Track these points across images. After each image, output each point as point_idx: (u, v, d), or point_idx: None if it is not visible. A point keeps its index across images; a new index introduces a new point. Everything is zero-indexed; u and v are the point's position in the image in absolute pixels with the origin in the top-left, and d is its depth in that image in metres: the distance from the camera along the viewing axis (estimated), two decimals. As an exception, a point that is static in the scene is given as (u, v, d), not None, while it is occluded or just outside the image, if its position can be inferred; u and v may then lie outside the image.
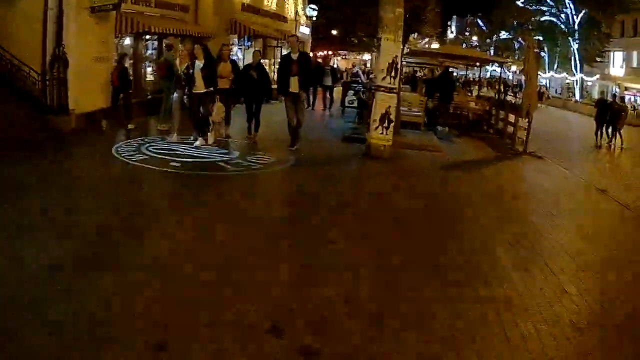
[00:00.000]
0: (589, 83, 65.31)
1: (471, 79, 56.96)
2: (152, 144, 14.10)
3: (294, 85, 13.96)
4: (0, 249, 6.39)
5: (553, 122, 37.91)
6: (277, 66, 26.80)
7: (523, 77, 34.59)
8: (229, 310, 5.31)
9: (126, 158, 12.33)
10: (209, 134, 14.45)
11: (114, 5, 17.53)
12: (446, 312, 5.69)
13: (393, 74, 14.38)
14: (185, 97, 15.05)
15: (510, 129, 20.16)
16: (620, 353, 5.22)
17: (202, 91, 14.34)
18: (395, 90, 14.77)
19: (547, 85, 78.68)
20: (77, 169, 11.84)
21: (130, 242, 6.98)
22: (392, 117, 14.51)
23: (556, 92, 70.15)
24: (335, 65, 43.92)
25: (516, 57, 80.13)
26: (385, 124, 14.35)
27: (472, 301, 6.05)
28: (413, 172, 14.04)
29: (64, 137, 15.27)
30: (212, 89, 14.52)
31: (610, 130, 25.02)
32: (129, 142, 14.23)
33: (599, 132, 25.20)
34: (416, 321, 5.46)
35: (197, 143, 14.05)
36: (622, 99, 38.32)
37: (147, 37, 22.45)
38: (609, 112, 24.92)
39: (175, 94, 15.63)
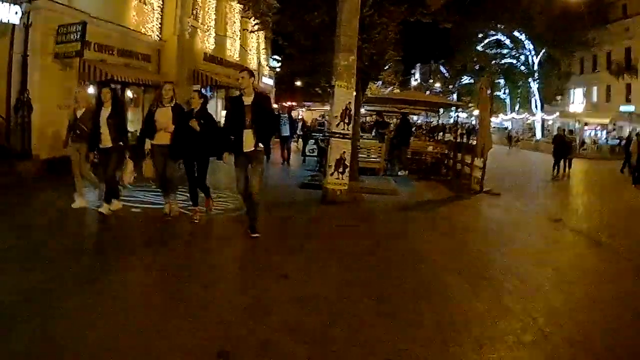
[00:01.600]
0: (550, 122, 66.47)
1: (436, 125, 57.75)
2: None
3: (248, 140, 9.91)
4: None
5: (512, 161, 38.82)
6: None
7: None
8: (181, 338, 5.59)
9: (87, 204, 12.48)
10: (172, 205, 11.75)
11: (77, 51, 17.93)
12: (389, 334, 5.95)
13: (347, 120, 14.64)
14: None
15: (467, 169, 20.48)
16: None
17: (108, 146, 11.69)
18: (349, 136, 14.95)
19: (510, 127, 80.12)
20: (35, 214, 12.09)
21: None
22: (347, 162, 14.75)
23: (517, 133, 71.26)
24: (299, 116, 44.36)
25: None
26: (341, 169, 14.59)
27: (415, 324, 6.29)
28: (368, 214, 14.18)
29: (27, 182, 15.59)
30: (121, 143, 11.79)
31: (565, 161, 27.68)
32: (89, 189, 14.25)
33: (557, 165, 27.44)
34: (357, 342, 5.71)
35: (103, 209, 11.55)
36: (571, 131, 40.57)
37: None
38: (563, 146, 27.57)
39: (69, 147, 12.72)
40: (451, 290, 7.72)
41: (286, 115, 26.52)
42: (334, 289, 7.53)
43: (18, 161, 16.89)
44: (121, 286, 7.22)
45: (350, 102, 14.81)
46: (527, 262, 9.75)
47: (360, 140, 21.93)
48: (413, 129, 47.82)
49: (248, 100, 10.09)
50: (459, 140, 33.09)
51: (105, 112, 11.78)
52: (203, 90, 21.09)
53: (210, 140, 11.15)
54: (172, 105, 11.54)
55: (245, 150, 9.99)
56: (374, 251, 10.10)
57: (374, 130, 29.70)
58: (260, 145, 10.05)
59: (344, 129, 14.73)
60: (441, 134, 45.67)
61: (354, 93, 15.29)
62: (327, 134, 16.33)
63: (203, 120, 11.14)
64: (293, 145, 29.71)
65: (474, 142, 22.99)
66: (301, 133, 33.92)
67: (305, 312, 6.57)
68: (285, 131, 25.14)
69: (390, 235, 11.80)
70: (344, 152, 14.74)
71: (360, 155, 20.35)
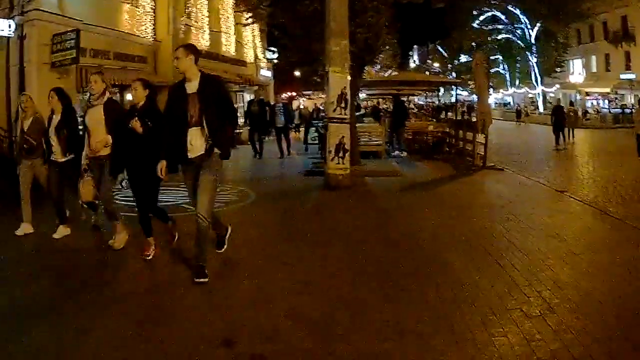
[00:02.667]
0: (552, 94, 66.32)
1: (437, 105, 57.87)
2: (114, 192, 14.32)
3: (194, 142, 7.45)
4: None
5: (516, 135, 38.85)
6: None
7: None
8: (184, 327, 5.71)
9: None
10: (116, 235, 9.14)
11: (72, 59, 18.02)
12: (391, 313, 5.99)
13: (343, 104, 14.70)
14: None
15: (470, 146, 20.52)
16: (572, 336, 5.35)
17: (60, 160, 9.90)
18: (347, 121, 15.01)
19: (512, 102, 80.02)
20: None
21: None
22: (347, 146, 14.80)
23: (525, 108, 71.12)
24: (301, 105, 44.16)
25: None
26: (341, 154, 14.67)
27: (419, 303, 6.33)
28: (371, 196, 14.31)
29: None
30: (73, 155, 9.74)
31: (566, 131, 28.64)
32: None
33: (557, 137, 27.99)
34: (362, 325, 5.73)
35: (56, 235, 9.78)
36: (572, 103, 40.48)
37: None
38: (562, 117, 28.36)
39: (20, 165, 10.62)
40: (455, 267, 7.73)
41: (280, 105, 26.27)
42: (337, 273, 7.58)
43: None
44: None
45: (345, 87, 14.86)
46: (532, 234, 9.66)
47: (361, 124, 22.09)
48: (414, 110, 47.94)
49: (192, 87, 7.43)
50: (459, 118, 32.86)
51: (55, 120, 10.17)
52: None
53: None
54: (104, 101, 9.10)
55: (191, 157, 7.44)
56: (376, 233, 10.12)
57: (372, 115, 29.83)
58: (215, 148, 7.40)
59: (341, 114, 14.79)
60: (443, 113, 45.76)
61: (349, 78, 15.29)
62: (324, 120, 16.28)
63: (150, 120, 8.10)
64: (294, 134, 29.86)
65: (474, 119, 23.04)
66: (298, 122, 34.01)
67: (309, 298, 6.63)
68: (280, 122, 24.43)
69: (392, 216, 11.83)
70: (343, 136, 14.80)
71: (361, 140, 20.50)
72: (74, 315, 6.12)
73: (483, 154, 18.88)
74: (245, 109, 25.42)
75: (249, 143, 25.03)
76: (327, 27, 15.00)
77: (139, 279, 7.72)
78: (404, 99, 58.17)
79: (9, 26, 17.21)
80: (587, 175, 18.78)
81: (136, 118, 8.07)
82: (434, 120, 34.62)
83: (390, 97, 37.79)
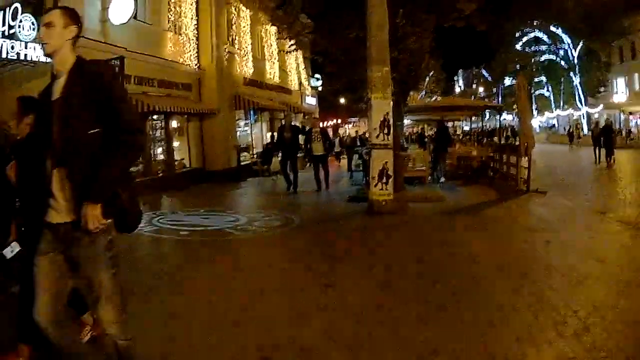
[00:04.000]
0: (596, 115, 65.66)
1: (481, 130, 57.74)
2: (162, 217, 14.85)
3: (60, 196, 4.07)
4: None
5: (561, 158, 38.66)
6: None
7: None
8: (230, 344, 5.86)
9: (139, 229, 12.92)
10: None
11: (118, 85, 18.28)
12: (427, 333, 6.08)
13: (386, 130, 14.77)
14: None
15: (513, 170, 20.35)
16: (604, 354, 5.39)
17: None
18: (390, 146, 15.05)
19: (557, 123, 79.42)
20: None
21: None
22: (390, 172, 14.82)
23: (564, 130, 70.40)
24: (346, 133, 44.29)
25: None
26: (384, 180, 14.70)
27: (454, 324, 6.38)
28: (413, 221, 14.28)
29: None
30: None
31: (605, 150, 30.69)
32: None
33: (595, 154, 31.43)
34: (396, 344, 5.84)
35: None
36: (610, 123, 40.73)
37: (155, 116, 23.17)
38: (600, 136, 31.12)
39: None
40: (493, 289, 7.76)
41: (318, 130, 22.25)
42: (376, 294, 7.69)
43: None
44: None
45: (387, 113, 14.94)
46: (570, 256, 9.64)
47: (406, 150, 22.15)
48: (459, 135, 47.82)
49: (58, 87, 4.29)
50: (503, 142, 32.82)
51: None
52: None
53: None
54: None
55: (52, 222, 4.15)
56: (416, 256, 10.18)
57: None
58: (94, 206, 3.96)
59: (384, 140, 14.84)
60: (487, 138, 45.60)
61: (391, 103, 15.37)
62: (368, 146, 16.35)
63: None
64: (336, 163, 29.97)
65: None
66: (339, 150, 34.15)
67: (347, 317, 6.74)
68: (319, 149, 21.20)
69: (433, 240, 11.88)
70: (386, 162, 14.82)
71: (407, 166, 20.57)
72: None
73: (526, 177, 18.70)
74: (277, 135, 22.76)
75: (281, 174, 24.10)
76: (368, 54, 15.10)
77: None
78: (450, 124, 58.42)
79: (56, 52, 17.45)
80: (629, 196, 18.54)
81: (13, 161, 5.49)
82: (478, 145, 34.50)
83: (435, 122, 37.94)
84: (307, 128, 24.15)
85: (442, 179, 22.90)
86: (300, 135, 22.39)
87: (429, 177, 22.42)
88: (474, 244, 11.02)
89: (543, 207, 15.81)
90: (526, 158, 18.81)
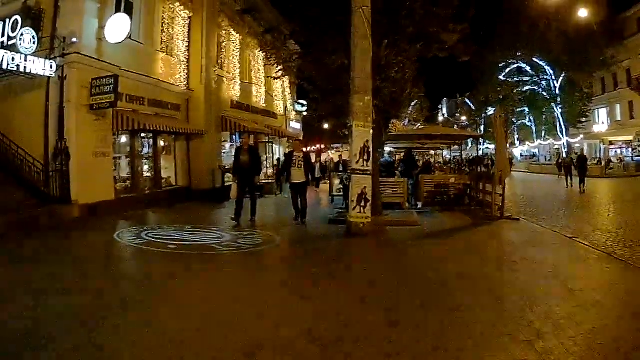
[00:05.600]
0: (577, 145, 66.78)
1: (460, 158, 58.50)
2: (150, 231, 15.52)
3: None
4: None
5: (538, 187, 39.48)
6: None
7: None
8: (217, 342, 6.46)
9: (128, 241, 14.00)
10: None
11: (110, 102, 18.95)
12: (393, 336, 6.76)
13: (365, 157, 15.33)
14: None
15: (489, 198, 20.78)
16: (554, 358, 6.10)
17: None
18: (369, 172, 15.58)
19: (538, 152, 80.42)
20: (83, 249, 13.75)
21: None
22: (369, 196, 15.38)
23: (546, 160, 71.40)
24: (329, 157, 44.79)
25: (507, 131, 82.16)
26: (362, 204, 15.26)
27: (417, 330, 7.10)
28: (388, 243, 14.94)
29: (69, 224, 17.01)
30: None
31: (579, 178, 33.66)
32: (129, 230, 15.70)
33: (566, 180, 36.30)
34: (366, 344, 6.51)
35: None
36: (582, 152, 46.42)
37: (143, 134, 23.76)
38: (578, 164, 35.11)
39: None
40: (456, 301, 8.52)
41: (300, 155, 19.07)
42: (350, 305, 8.44)
43: (59, 205, 18.11)
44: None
45: (367, 140, 15.50)
46: (534, 276, 10.30)
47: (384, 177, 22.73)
48: (439, 164, 48.58)
49: None
50: (483, 170, 33.62)
51: None
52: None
53: None
54: None
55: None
56: (389, 273, 10.99)
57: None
58: None
59: (363, 165, 15.42)
60: (469, 166, 46.36)
61: (371, 131, 15.86)
62: (348, 172, 16.95)
63: None
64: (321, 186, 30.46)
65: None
66: (319, 176, 34.75)
67: (324, 323, 7.48)
68: (299, 176, 18.41)
69: (405, 259, 12.63)
70: (365, 187, 15.40)
71: (384, 191, 21.20)
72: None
73: (500, 204, 19.30)
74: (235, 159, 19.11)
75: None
76: (352, 84, 15.69)
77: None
78: (432, 152, 59.09)
79: (51, 67, 18.13)
80: (600, 222, 19.23)
81: None
82: (457, 172, 35.22)
83: (417, 150, 38.54)
84: (288, 151, 22.06)
85: (419, 205, 23.51)
86: (257, 157, 19.14)
87: (407, 204, 22.94)
88: (443, 264, 11.77)
89: (514, 232, 16.49)
90: (501, 186, 19.44)
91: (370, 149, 15.70)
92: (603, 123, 65.35)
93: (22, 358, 6.04)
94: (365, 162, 15.48)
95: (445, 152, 76.26)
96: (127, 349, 6.50)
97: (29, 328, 7.04)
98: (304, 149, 22.63)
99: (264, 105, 37.72)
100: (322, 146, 63.30)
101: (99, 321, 7.43)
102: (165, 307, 8.38)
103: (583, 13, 49.57)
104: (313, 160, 27.12)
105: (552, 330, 6.95)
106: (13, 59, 16.89)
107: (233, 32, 31.59)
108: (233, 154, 32.66)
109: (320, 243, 14.71)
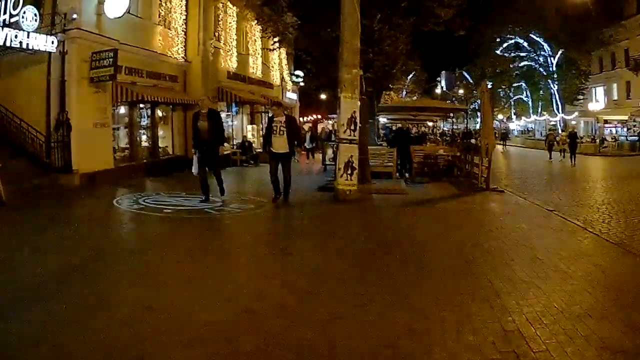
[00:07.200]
0: (573, 122, 67.06)
1: (453, 131, 58.90)
2: (147, 197, 16.29)
3: None
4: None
5: (531, 162, 40.04)
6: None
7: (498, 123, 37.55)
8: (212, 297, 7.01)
9: (126, 207, 14.82)
10: None
11: (110, 76, 19.48)
12: (360, 283, 7.31)
13: (352, 127, 15.91)
14: None
15: (476, 169, 21.21)
16: (508, 315, 6.52)
17: None
18: (355, 142, 16.13)
19: (534, 127, 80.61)
20: (85, 214, 14.78)
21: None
22: (355, 165, 15.99)
23: (541, 135, 71.63)
24: (329, 128, 45.07)
25: (504, 105, 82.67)
26: (349, 171, 15.90)
27: (384, 284, 7.59)
28: (373, 209, 15.67)
29: (71, 192, 17.77)
30: None
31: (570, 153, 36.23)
32: (127, 197, 16.50)
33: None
34: (339, 293, 6.98)
35: None
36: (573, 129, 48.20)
37: (142, 105, 24.30)
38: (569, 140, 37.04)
39: None
40: (429, 258, 9.34)
41: (282, 119, 15.81)
42: (329, 260, 9.20)
43: (60, 175, 18.80)
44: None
45: (355, 111, 16.04)
46: (506, 243, 10.80)
47: (373, 147, 23.21)
48: (437, 135, 49.04)
49: None
50: (472, 142, 34.13)
51: None
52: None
53: None
54: None
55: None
56: (370, 235, 11.82)
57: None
58: None
59: (350, 135, 16.02)
60: (463, 139, 46.80)
61: (358, 103, 16.33)
62: (336, 141, 17.51)
63: None
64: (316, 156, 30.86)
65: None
66: (311, 146, 35.19)
67: (304, 276, 8.17)
68: (281, 145, 15.53)
69: (387, 224, 13.36)
70: (352, 155, 16.02)
71: (375, 161, 21.80)
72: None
73: (486, 176, 19.74)
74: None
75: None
76: (340, 57, 16.23)
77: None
78: (430, 124, 59.50)
79: (52, 42, 18.61)
80: (584, 198, 19.67)
81: None
82: (447, 144, 35.81)
83: (413, 122, 39.01)
84: (269, 116, 19.48)
85: (407, 175, 23.94)
86: (218, 123, 15.91)
87: (397, 174, 23.43)
88: (423, 229, 12.53)
89: (497, 203, 17.06)
90: (487, 158, 19.93)
91: (358, 120, 16.22)
92: (599, 101, 65.22)
93: (35, 307, 6.57)
94: (352, 132, 16.04)
95: (443, 125, 76.57)
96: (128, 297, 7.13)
97: (37, 282, 7.65)
98: (286, 112, 17.89)
99: (260, 75, 38.13)
100: (319, 116, 63.71)
101: (94, 276, 8.07)
102: (156, 258, 9.26)
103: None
104: (307, 129, 26.73)
105: (510, 291, 7.38)
106: (16, 36, 17.36)
107: (230, 5, 32.03)
108: (230, 123, 33.55)
109: (307, 207, 15.38)
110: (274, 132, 15.53)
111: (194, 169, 15.25)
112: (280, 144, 15.47)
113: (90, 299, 6.88)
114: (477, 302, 6.91)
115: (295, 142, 16.19)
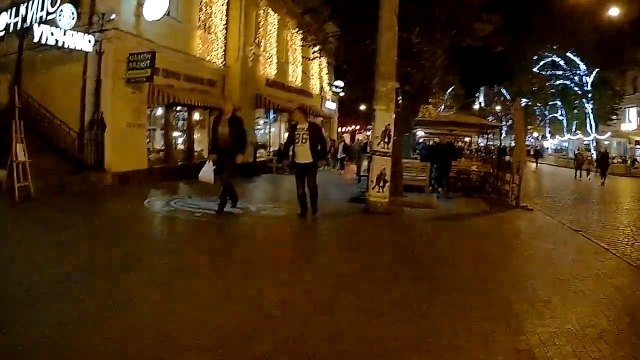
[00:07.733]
0: (606, 142, 66.61)
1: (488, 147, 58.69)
2: (178, 200, 16.66)
3: None
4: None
5: (562, 180, 40.04)
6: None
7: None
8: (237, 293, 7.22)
9: (156, 208, 15.37)
10: None
11: (147, 77, 19.86)
12: (386, 304, 7.43)
13: (386, 139, 15.98)
14: None
15: (508, 187, 21.26)
16: (516, 322, 6.61)
17: None
18: (389, 154, 16.19)
19: (567, 146, 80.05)
20: (114, 213, 15.11)
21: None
22: (387, 177, 16.05)
23: (573, 154, 71.31)
24: (366, 139, 45.20)
25: (539, 123, 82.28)
26: (381, 184, 15.96)
27: (408, 300, 7.70)
28: (402, 222, 15.74)
29: (101, 191, 18.23)
30: None
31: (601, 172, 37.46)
32: (159, 198, 16.96)
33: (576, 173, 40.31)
34: (362, 302, 7.14)
35: None
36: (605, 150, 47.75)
37: (178, 108, 24.55)
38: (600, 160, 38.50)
39: None
40: (451, 273, 9.44)
41: (305, 126, 14.49)
42: (350, 272, 9.23)
43: (92, 172, 19.21)
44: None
45: (389, 124, 16.11)
46: (528, 260, 11.01)
47: (407, 160, 23.20)
48: (473, 150, 48.76)
49: None
50: (506, 160, 34.04)
51: None
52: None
53: None
54: None
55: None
56: (396, 248, 11.91)
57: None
58: None
59: (384, 148, 16.09)
60: (499, 155, 46.64)
61: (393, 116, 16.39)
62: (370, 153, 17.43)
63: None
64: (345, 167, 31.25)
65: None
66: (343, 156, 35.22)
67: (324, 286, 8.32)
68: (304, 155, 14.32)
69: (415, 236, 13.62)
70: (384, 168, 16.08)
71: (409, 175, 21.85)
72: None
73: (516, 194, 19.79)
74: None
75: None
76: (376, 69, 16.32)
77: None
78: (467, 139, 59.26)
79: (89, 41, 19.06)
80: (611, 219, 19.63)
81: None
82: (481, 161, 35.71)
83: (450, 136, 38.91)
84: (291, 124, 16.33)
85: (440, 190, 23.95)
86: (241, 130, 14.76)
87: (430, 187, 23.43)
88: (448, 243, 12.68)
89: (524, 221, 17.13)
90: (517, 176, 20.00)
91: (392, 132, 16.26)
92: (631, 122, 65.08)
93: (64, 300, 6.85)
94: (386, 144, 16.10)
95: (479, 140, 76.25)
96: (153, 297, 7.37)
97: (63, 275, 7.96)
98: (309, 119, 16.53)
99: (300, 84, 38.45)
100: (358, 127, 63.73)
101: (117, 273, 8.32)
102: (179, 261, 9.52)
103: (616, 11, 48.89)
104: (342, 140, 26.36)
105: (527, 309, 7.40)
106: (52, 34, 17.68)
107: (271, 12, 32.40)
108: (267, 131, 33.71)
109: (337, 217, 15.53)
110: (297, 140, 14.37)
111: (201, 175, 14.73)
112: (303, 154, 14.30)
113: (109, 300, 7.01)
114: (492, 320, 6.92)
115: (320, 152, 14.65)
